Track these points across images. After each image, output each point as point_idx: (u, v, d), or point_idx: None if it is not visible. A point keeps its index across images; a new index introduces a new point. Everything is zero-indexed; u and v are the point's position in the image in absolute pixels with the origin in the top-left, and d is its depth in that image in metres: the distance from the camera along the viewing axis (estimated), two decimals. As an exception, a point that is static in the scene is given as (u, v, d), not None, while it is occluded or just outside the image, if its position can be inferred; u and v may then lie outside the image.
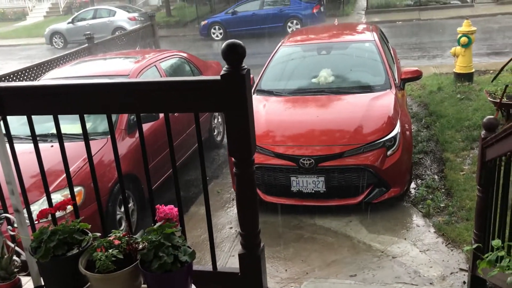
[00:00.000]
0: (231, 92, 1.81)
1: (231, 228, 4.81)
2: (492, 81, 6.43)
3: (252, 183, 1.92)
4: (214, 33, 17.83)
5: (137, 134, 4.92)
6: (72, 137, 4.33)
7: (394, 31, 16.00)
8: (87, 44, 8.85)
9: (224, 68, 1.83)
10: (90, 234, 1.89)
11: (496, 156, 2.77)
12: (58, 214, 2.01)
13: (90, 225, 1.92)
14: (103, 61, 6.42)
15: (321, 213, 4.80)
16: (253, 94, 5.83)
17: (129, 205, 4.77)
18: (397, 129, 4.73)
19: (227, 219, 5.00)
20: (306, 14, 16.91)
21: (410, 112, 7.43)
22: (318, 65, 5.94)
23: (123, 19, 18.97)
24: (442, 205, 4.76)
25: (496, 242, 2.13)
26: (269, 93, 5.77)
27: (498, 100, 5.85)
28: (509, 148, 2.48)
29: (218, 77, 1.83)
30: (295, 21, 16.98)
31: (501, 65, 6.51)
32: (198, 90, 1.89)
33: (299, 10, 17.11)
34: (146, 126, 5.09)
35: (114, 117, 4.84)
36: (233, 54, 1.80)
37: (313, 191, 4.69)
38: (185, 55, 6.99)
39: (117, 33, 16.82)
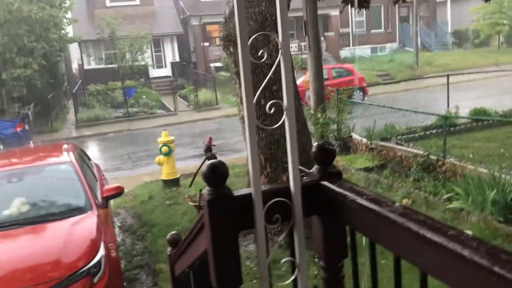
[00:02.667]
0: None
1: None
2: (190, 186, 6.99)
3: None
4: None
5: None
6: None
7: (106, 143, 16.23)
8: None
9: None
10: None
11: (180, 273, 2.84)
12: None
13: None
14: None
15: None
16: None
17: None
18: (101, 253, 4.51)
19: None
20: (9, 133, 15.65)
21: (124, 225, 7.37)
22: (10, 194, 5.35)
23: None
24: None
25: None
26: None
27: (198, 203, 6.33)
28: (185, 265, 2.56)
29: None
30: (-4, 142, 15.48)
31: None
32: None
33: (0, 129, 15.73)
34: None
35: None
36: None
37: None
38: None
39: None
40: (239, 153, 12.39)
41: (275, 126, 1.76)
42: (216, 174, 1.69)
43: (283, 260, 1.80)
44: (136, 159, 13.28)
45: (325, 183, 1.75)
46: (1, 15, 17.08)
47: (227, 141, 14.44)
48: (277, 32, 1.75)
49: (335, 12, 28.90)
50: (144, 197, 8.42)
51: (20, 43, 17.70)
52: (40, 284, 4.20)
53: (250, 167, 1.67)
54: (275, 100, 1.76)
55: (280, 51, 1.68)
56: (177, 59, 28.19)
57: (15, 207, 5.13)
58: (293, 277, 1.80)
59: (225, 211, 1.69)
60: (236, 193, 1.71)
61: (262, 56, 1.85)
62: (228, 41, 5.42)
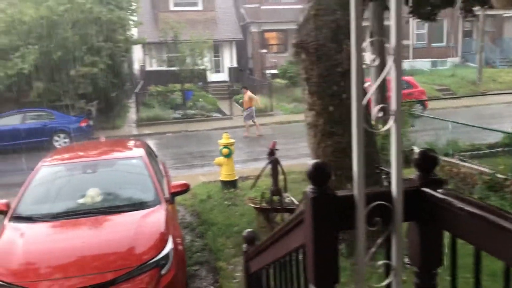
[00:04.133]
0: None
1: None
2: (251, 188, 7.10)
3: None
4: (-37, 150, 15.73)
5: None
6: None
7: (165, 142, 16.70)
8: None
9: None
10: None
11: (258, 269, 2.91)
12: None
13: None
14: None
15: None
16: (9, 221, 5.13)
17: None
18: (169, 246, 4.68)
19: None
20: (74, 127, 16.46)
21: (184, 222, 7.57)
22: (85, 184, 5.65)
23: None
24: (219, 318, 4.77)
25: None
26: (29, 219, 5.15)
27: (258, 205, 6.42)
28: (267, 261, 2.63)
29: None
30: (62, 135, 16.30)
31: (259, 170, 7.28)
32: None
33: (66, 123, 16.57)
34: None
35: None
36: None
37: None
38: None
39: None
40: (293, 160, 12.40)
41: (383, 129, 1.80)
42: (321, 173, 1.75)
43: (379, 263, 1.83)
44: (193, 159, 13.59)
45: (427, 189, 1.77)
46: (74, 15, 17.98)
47: (282, 147, 14.47)
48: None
49: (396, 24, 28.38)
50: (203, 196, 8.61)
51: (89, 42, 18.55)
52: (110, 272, 4.39)
53: (355, 169, 1.71)
54: (384, 104, 1.80)
55: (392, 56, 1.72)
56: (235, 64, 28.62)
57: (89, 196, 5.40)
58: (388, 281, 1.82)
59: (327, 210, 1.74)
60: (339, 193, 1.76)
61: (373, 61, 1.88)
62: (300, 48, 5.48)
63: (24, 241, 4.72)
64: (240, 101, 22.79)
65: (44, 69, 17.82)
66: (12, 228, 4.97)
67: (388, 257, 1.88)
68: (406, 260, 2.10)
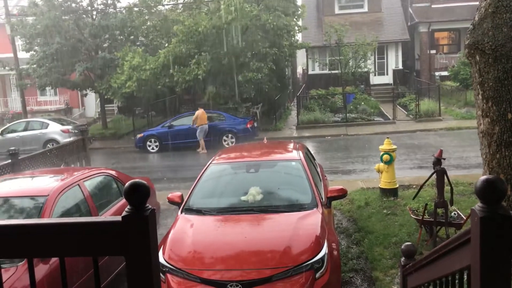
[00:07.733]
0: (133, 235, 1.70)
1: None
2: (413, 198, 6.71)
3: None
4: (149, 146, 17.93)
5: (51, 261, 4.56)
6: None
7: (323, 145, 16.81)
8: (10, 160, 8.47)
9: (126, 209, 1.74)
10: None
11: (417, 285, 2.75)
12: None
13: None
14: (22, 180, 6.10)
15: None
16: (181, 213, 5.68)
17: None
18: (324, 250, 4.68)
19: None
20: (241, 128, 17.56)
21: (340, 227, 7.51)
22: (247, 183, 5.97)
23: (55, 131, 18.72)
24: (374, 329, 4.62)
25: None
26: (198, 212, 5.64)
27: (421, 217, 6.05)
28: (427, 278, 2.46)
29: (119, 218, 1.73)
30: (230, 135, 17.52)
31: (423, 179, 6.87)
32: (96, 233, 1.76)
33: (234, 125, 17.76)
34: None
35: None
36: (136, 195, 1.73)
37: (241, 320, 4.39)
38: (113, 172, 6.82)
39: (48, 146, 16.51)
40: (463, 170, 11.44)
41: None
42: (493, 191, 1.57)
43: None
44: (352, 164, 13.41)
45: None
46: (243, 23, 19.14)
47: (449, 155, 13.45)
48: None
49: None
50: (361, 203, 8.43)
51: (256, 48, 19.57)
52: (267, 269, 4.55)
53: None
54: None
55: None
56: (400, 66, 27.52)
57: (251, 195, 5.69)
58: None
59: (499, 232, 1.56)
60: (515, 214, 1.56)
61: None
62: (475, 49, 5.01)
63: (193, 232, 5.18)
64: (409, 105, 21.85)
65: (215, 74, 19.35)
66: (184, 219, 5.49)
67: None
68: None
